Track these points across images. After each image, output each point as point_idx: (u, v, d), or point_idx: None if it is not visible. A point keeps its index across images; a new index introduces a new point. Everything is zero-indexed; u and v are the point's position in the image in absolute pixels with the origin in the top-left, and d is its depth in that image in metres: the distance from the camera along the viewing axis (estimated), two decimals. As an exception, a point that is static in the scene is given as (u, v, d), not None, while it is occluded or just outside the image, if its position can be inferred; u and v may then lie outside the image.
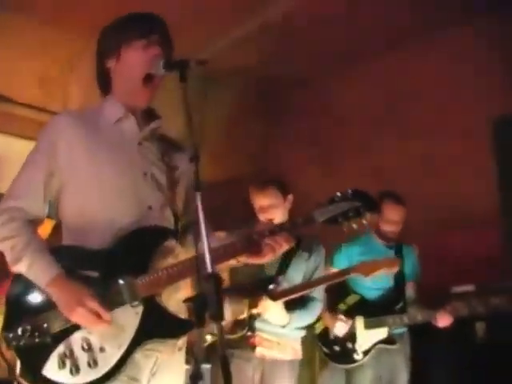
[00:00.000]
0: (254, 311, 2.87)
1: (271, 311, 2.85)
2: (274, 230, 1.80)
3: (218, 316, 1.41)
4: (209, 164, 4.22)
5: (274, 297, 2.87)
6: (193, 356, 1.74)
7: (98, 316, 1.68)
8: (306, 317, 3.04)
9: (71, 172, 1.82)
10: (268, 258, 1.80)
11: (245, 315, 2.85)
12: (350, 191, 1.81)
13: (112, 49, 1.89)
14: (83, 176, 1.81)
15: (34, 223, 1.83)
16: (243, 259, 1.82)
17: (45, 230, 2.06)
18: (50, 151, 1.83)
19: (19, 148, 3.59)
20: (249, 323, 2.85)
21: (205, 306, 1.43)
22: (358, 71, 4.66)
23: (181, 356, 1.86)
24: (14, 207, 1.80)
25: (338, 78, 4.72)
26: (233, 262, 1.84)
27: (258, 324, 2.90)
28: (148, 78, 1.85)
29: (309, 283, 3.02)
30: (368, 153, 4.65)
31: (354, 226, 1.80)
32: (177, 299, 1.82)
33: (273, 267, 3.02)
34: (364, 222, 1.80)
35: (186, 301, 1.61)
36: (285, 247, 1.80)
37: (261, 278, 2.92)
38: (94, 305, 1.68)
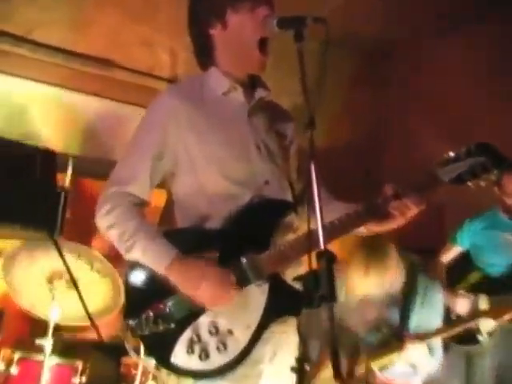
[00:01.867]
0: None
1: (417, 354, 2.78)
2: (398, 192, 1.74)
3: (330, 297, 1.36)
4: (323, 131, 4.16)
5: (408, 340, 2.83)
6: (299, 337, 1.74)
7: (226, 290, 1.63)
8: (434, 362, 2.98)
9: (183, 154, 1.79)
10: (399, 222, 1.75)
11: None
12: (473, 146, 1.74)
13: (215, 15, 1.82)
14: (197, 157, 1.77)
15: (141, 207, 1.78)
16: (372, 227, 1.78)
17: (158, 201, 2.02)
18: (158, 134, 1.78)
19: (123, 113, 3.71)
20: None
21: (316, 286, 1.38)
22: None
23: (296, 334, 1.82)
24: (119, 192, 1.75)
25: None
26: (362, 230, 1.80)
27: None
28: (262, 43, 1.79)
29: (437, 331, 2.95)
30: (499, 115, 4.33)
31: (482, 183, 1.74)
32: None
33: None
34: (493, 177, 1.73)
35: (296, 279, 1.58)
36: (415, 210, 1.74)
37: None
38: (218, 277, 1.62)
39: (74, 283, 2.92)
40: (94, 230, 3.25)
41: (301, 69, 1.54)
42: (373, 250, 2.89)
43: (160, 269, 1.67)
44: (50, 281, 2.99)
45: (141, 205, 1.77)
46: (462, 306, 3.32)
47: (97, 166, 3.35)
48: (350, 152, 4.54)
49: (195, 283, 1.62)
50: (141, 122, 1.82)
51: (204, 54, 1.89)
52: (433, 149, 3.77)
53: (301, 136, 1.73)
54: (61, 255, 2.90)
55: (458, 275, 3.47)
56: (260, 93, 1.88)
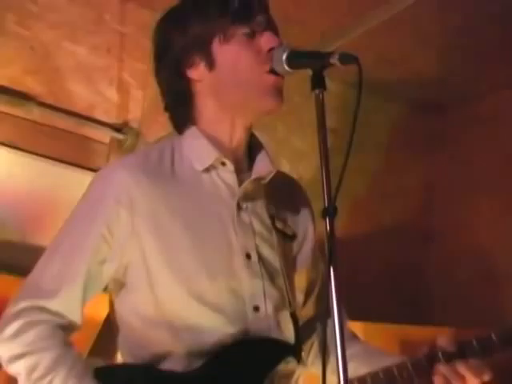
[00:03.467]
0: None
1: None
2: (450, 352, 1.58)
3: None
4: (348, 213, 4.16)
5: None
6: None
7: None
8: None
9: (137, 260, 1.62)
10: None
11: None
12: None
13: (196, 48, 1.68)
14: (157, 267, 1.61)
15: (66, 331, 1.61)
16: None
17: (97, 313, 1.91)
18: (102, 226, 1.61)
19: (51, 176, 3.38)
20: None
21: None
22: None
23: None
24: (35, 308, 1.57)
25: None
26: None
27: None
28: (273, 74, 1.67)
29: None
30: None
31: None
32: None
33: None
34: None
35: None
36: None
37: None
38: None
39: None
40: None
41: (320, 128, 1.45)
42: None
43: None
44: None
45: (66, 328, 1.61)
46: None
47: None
48: (383, 241, 4.44)
49: None
50: (78, 204, 1.68)
51: (178, 107, 1.75)
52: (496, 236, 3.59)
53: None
54: None
55: None
56: (259, 169, 1.72)
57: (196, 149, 1.69)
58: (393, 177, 4.65)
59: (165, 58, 1.72)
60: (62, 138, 3.43)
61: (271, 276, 1.69)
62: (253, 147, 1.76)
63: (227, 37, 1.65)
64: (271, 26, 1.69)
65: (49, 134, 3.40)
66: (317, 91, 1.45)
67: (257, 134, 1.80)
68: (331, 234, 1.39)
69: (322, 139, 1.45)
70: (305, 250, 1.83)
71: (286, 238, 1.77)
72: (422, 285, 4.51)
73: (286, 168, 4.06)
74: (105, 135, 3.56)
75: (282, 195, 1.81)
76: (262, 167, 1.72)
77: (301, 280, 1.81)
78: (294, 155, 4.03)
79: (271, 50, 1.62)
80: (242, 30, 1.65)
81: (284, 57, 1.57)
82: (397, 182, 4.66)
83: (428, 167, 4.87)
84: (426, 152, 4.87)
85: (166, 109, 1.76)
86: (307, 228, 1.84)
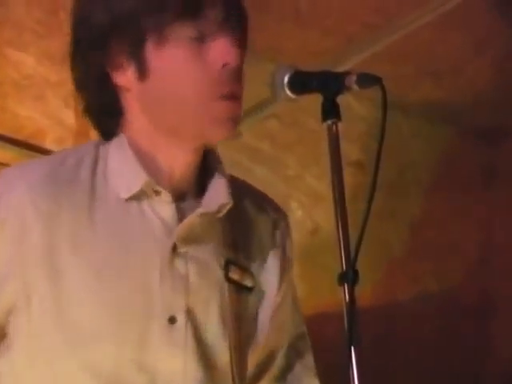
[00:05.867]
0: None
1: None
2: None
3: None
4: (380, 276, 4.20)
5: None
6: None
7: None
8: None
9: (23, 309, 1.59)
10: None
11: None
12: None
13: (121, 43, 1.59)
14: (39, 318, 1.59)
15: None
16: None
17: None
18: None
19: None
20: None
21: None
22: None
23: None
24: None
25: None
26: None
27: None
28: (228, 98, 1.61)
29: None
30: None
31: None
32: None
33: None
34: None
35: None
36: None
37: None
38: None
39: None
40: None
41: (334, 169, 1.50)
42: None
43: None
44: None
45: None
46: None
47: None
48: (428, 312, 4.46)
49: None
50: None
51: (101, 115, 1.69)
52: None
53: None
54: None
55: None
56: (211, 200, 1.67)
57: (121, 168, 1.66)
58: (438, 226, 4.64)
59: (82, 43, 1.64)
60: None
61: (203, 349, 1.66)
62: (207, 169, 1.72)
63: (163, 39, 1.57)
64: (233, 25, 1.60)
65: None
66: (329, 122, 1.49)
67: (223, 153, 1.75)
68: (351, 306, 1.41)
69: (337, 182, 1.48)
70: (265, 307, 1.79)
71: (244, 291, 1.74)
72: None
73: (297, 214, 4.11)
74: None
75: (245, 232, 1.79)
76: (216, 197, 1.67)
77: (257, 350, 1.79)
78: (308, 197, 4.09)
79: (225, 65, 1.58)
80: (185, 32, 1.56)
81: (286, 80, 1.58)
82: (444, 232, 4.65)
83: (485, 212, 4.87)
84: (483, 191, 4.89)
85: (85, 112, 1.70)
86: (272, 276, 1.79)
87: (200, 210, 1.64)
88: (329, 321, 4.16)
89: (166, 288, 1.62)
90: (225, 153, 4.15)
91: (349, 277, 1.44)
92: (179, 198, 1.66)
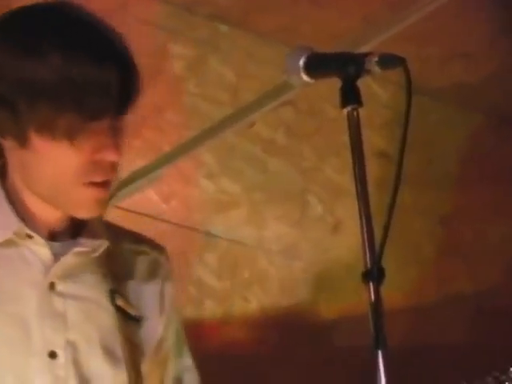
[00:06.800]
0: None
1: None
2: None
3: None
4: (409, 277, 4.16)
5: None
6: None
7: None
8: None
9: None
10: None
11: None
12: None
13: (7, 108, 1.68)
14: None
15: None
16: None
17: None
18: None
19: None
20: None
21: None
22: None
23: None
24: None
25: None
26: None
27: None
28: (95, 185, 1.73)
29: None
30: None
31: None
32: None
33: None
34: None
35: None
36: None
37: None
38: None
39: None
40: None
41: (355, 160, 1.51)
42: None
43: None
44: None
45: None
46: None
47: None
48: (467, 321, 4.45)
49: None
50: None
51: None
52: None
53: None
54: None
55: None
56: (86, 239, 1.80)
57: None
58: (470, 222, 4.60)
59: None
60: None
61: (87, 382, 1.75)
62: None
63: (42, 134, 1.65)
64: (118, 115, 1.69)
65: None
66: (349, 108, 1.50)
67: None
68: (377, 305, 1.44)
69: (360, 174, 1.49)
70: (148, 338, 1.89)
71: (131, 320, 1.85)
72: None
73: (316, 209, 4.10)
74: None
75: (124, 269, 1.90)
76: (91, 237, 1.80)
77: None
78: (327, 191, 4.08)
79: (101, 159, 1.67)
80: (67, 121, 1.63)
81: (301, 63, 1.60)
82: (481, 232, 4.61)
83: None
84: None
85: None
86: (152, 309, 1.89)
87: (75, 250, 1.77)
88: (354, 323, 4.16)
89: (45, 325, 1.73)
90: (238, 144, 4.15)
91: (374, 274, 1.45)
92: (56, 238, 1.78)
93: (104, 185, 1.72)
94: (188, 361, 1.96)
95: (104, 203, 1.76)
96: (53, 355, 1.73)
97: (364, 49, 3.51)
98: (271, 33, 3.54)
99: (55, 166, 1.70)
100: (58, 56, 1.62)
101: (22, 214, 1.77)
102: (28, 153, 1.70)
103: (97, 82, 1.63)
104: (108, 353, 1.79)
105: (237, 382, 4.67)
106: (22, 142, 1.69)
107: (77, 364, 1.75)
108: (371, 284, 1.45)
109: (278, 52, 3.39)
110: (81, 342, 1.77)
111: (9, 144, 1.72)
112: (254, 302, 4.68)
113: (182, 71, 3.67)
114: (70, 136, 1.64)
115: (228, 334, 4.71)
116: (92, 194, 1.72)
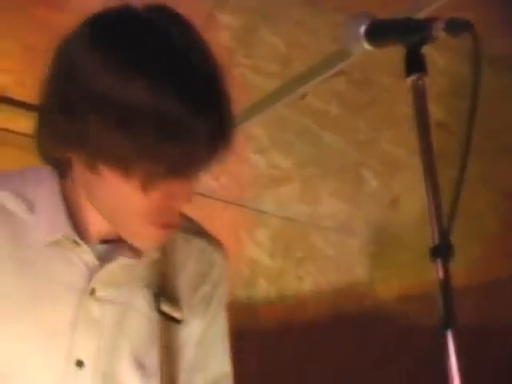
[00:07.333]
0: None
1: None
2: None
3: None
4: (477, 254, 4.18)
5: None
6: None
7: None
8: None
9: None
10: None
11: None
12: None
13: (84, 144, 1.62)
14: None
15: None
16: None
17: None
18: None
19: None
20: None
21: None
22: None
23: None
24: None
25: None
26: None
27: None
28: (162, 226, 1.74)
29: None
30: None
31: None
32: None
33: None
34: None
35: None
36: None
37: None
38: None
39: None
40: None
41: (421, 132, 1.52)
42: None
43: None
44: None
45: None
46: None
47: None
48: None
49: None
50: None
51: (62, 140, 1.70)
52: None
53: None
54: None
55: None
56: (134, 248, 1.80)
57: (48, 210, 1.80)
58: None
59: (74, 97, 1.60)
60: None
61: None
62: None
63: (111, 168, 1.61)
64: (195, 167, 1.63)
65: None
66: (414, 77, 1.49)
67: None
68: (446, 283, 1.44)
69: (426, 147, 1.50)
70: (190, 341, 1.90)
71: (174, 323, 1.86)
72: None
73: (371, 184, 4.11)
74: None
75: (177, 265, 1.91)
76: (128, 249, 1.80)
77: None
78: (383, 165, 4.08)
79: (169, 203, 1.67)
80: (144, 169, 1.59)
81: (362, 30, 1.60)
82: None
83: None
84: None
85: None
86: (199, 312, 1.91)
87: (120, 259, 1.79)
88: (413, 303, 4.17)
89: (77, 332, 1.77)
90: (290, 117, 4.17)
91: (442, 251, 1.46)
92: (108, 239, 1.81)
93: (168, 227, 1.73)
94: (227, 367, 1.97)
95: (163, 240, 1.78)
96: (80, 364, 1.76)
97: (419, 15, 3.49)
98: (322, 1, 3.54)
99: (121, 200, 1.68)
100: (155, 94, 1.52)
101: (75, 216, 1.80)
102: (94, 176, 1.66)
103: (189, 134, 1.57)
104: (138, 364, 1.82)
105: (291, 360, 4.71)
106: (90, 166, 1.65)
107: (104, 374, 1.78)
108: (439, 261, 1.45)
109: (329, 20, 3.38)
110: (111, 351, 1.80)
111: (76, 159, 1.69)
112: (307, 281, 4.71)
113: (229, 42, 3.68)
114: (145, 184, 1.61)
115: (282, 314, 4.75)
116: (154, 233, 1.72)
